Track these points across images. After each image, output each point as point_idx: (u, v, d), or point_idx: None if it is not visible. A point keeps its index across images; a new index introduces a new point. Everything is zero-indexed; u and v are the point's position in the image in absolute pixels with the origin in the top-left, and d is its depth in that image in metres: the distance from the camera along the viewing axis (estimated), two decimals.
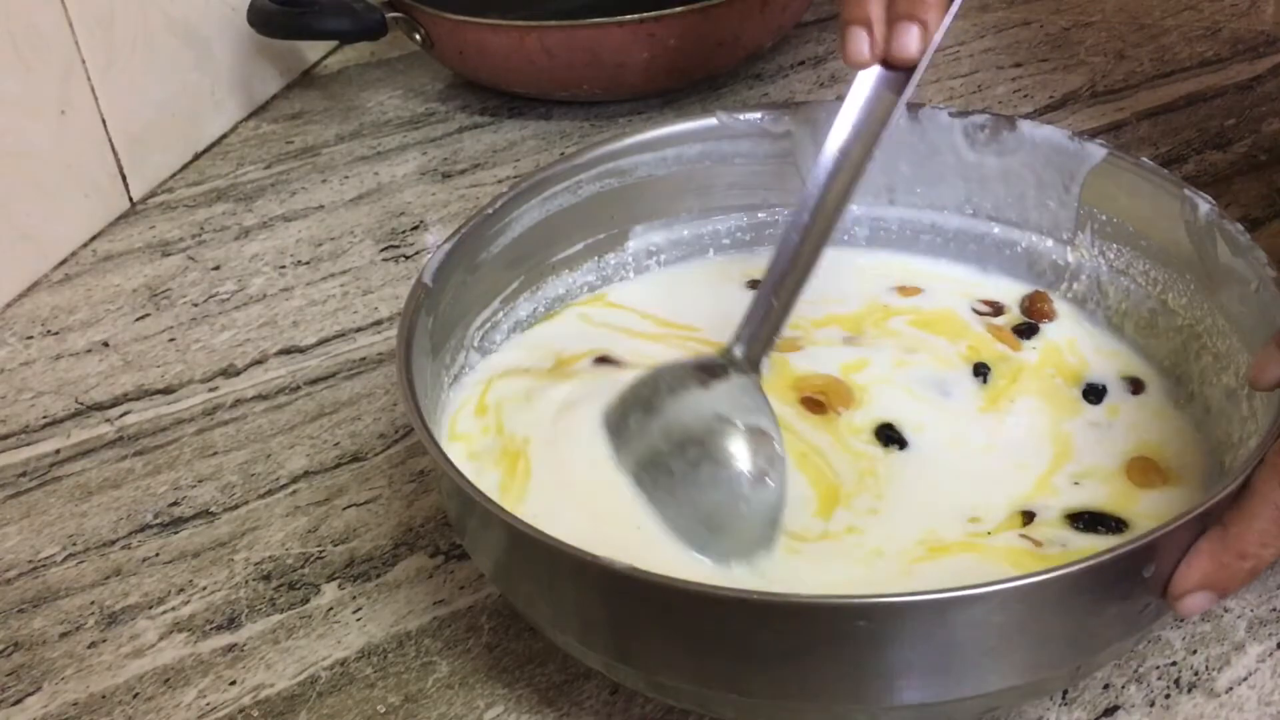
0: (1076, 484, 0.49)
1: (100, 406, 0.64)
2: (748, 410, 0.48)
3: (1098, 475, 0.49)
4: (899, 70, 0.51)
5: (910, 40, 0.50)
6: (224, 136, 0.87)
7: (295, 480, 0.58)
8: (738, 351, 0.50)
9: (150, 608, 0.53)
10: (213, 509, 0.57)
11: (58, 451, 0.61)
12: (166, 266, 0.74)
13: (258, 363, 0.66)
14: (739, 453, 0.47)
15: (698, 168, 0.60)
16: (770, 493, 0.47)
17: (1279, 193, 0.73)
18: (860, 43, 0.50)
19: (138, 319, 0.70)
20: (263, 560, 0.54)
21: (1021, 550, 0.46)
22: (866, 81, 0.51)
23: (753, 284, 0.59)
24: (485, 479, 0.49)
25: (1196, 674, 0.47)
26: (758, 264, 0.60)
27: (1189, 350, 0.52)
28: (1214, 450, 0.49)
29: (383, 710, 0.48)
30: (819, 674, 0.39)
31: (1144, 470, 0.49)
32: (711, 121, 0.59)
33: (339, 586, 0.53)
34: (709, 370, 0.49)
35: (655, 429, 0.48)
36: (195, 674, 0.50)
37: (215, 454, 0.60)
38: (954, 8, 0.51)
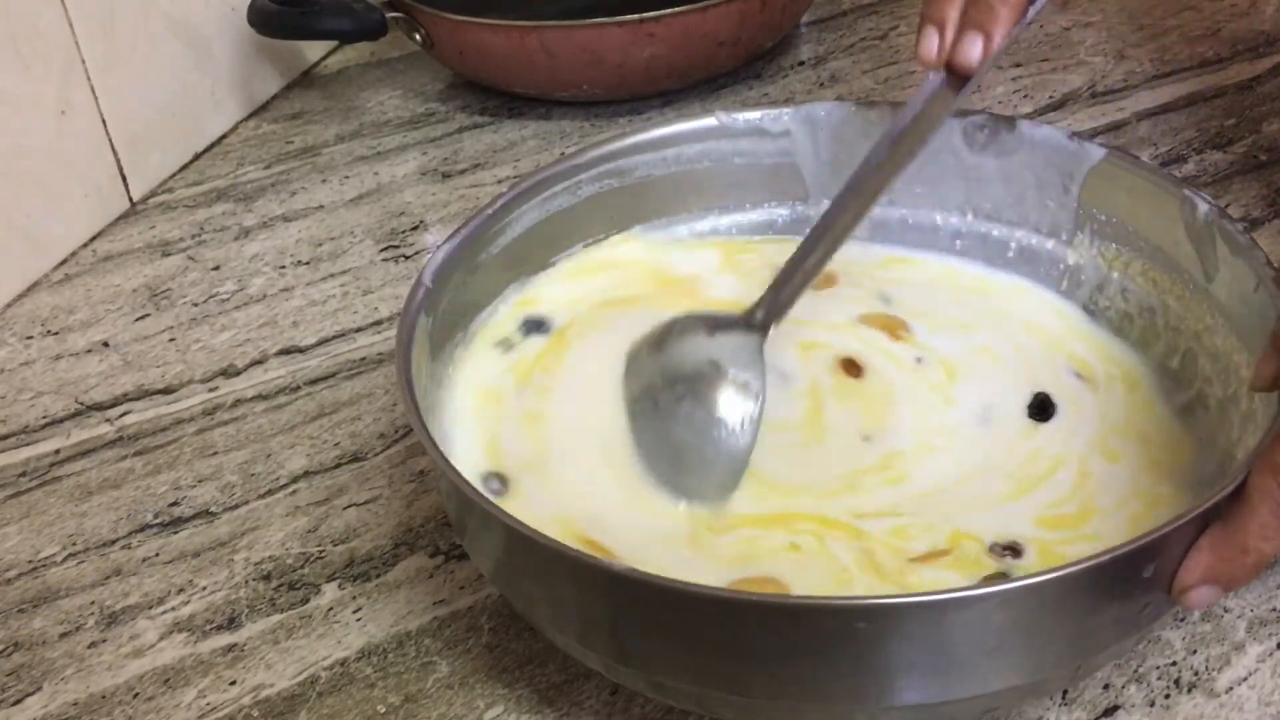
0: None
1: (100, 406, 0.64)
2: (741, 364, 0.50)
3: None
4: (959, 76, 0.53)
5: (974, 50, 0.52)
6: (224, 136, 0.87)
7: (295, 480, 0.58)
8: (758, 315, 0.51)
9: (150, 608, 0.53)
10: (213, 509, 0.57)
11: (58, 451, 0.61)
12: (166, 266, 0.74)
13: (258, 363, 0.66)
14: (720, 399, 0.49)
15: (698, 168, 0.60)
16: (737, 444, 0.49)
17: (1279, 193, 0.73)
18: (931, 42, 0.53)
19: (138, 319, 0.70)
20: (263, 560, 0.54)
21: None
22: (931, 81, 0.53)
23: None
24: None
25: (1196, 674, 0.47)
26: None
27: (1188, 350, 0.52)
28: (1213, 450, 0.49)
29: (383, 710, 0.48)
30: (819, 675, 0.39)
31: None
32: (711, 121, 0.59)
33: (339, 586, 0.53)
34: (720, 323, 0.52)
35: (655, 364, 0.51)
36: (195, 674, 0.50)
37: (215, 454, 0.60)
38: (1019, 26, 0.53)
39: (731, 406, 0.49)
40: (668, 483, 0.49)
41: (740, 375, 0.50)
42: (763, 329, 0.51)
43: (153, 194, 0.81)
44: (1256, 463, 0.40)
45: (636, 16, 0.80)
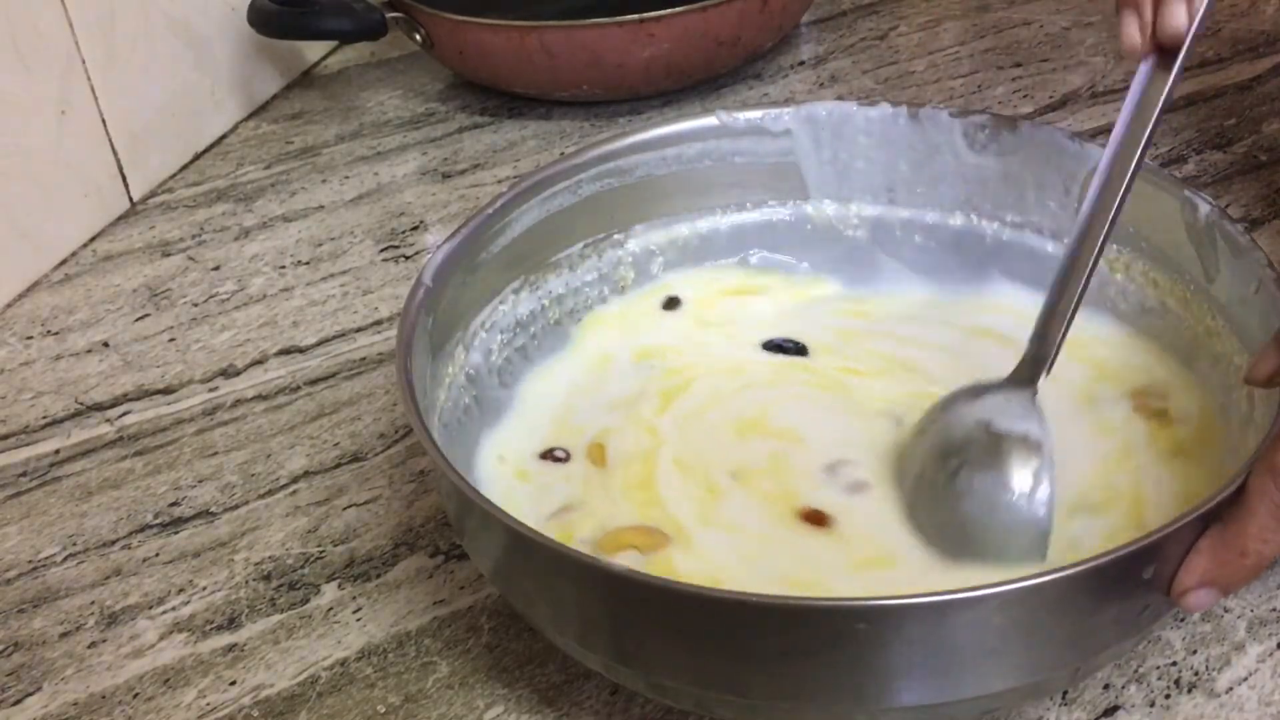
0: None
1: (100, 406, 0.64)
2: (1014, 417, 0.45)
3: None
4: (1168, 52, 0.49)
5: (1178, 14, 0.48)
6: (224, 136, 0.87)
7: (295, 480, 0.58)
8: (1023, 372, 0.48)
9: (150, 608, 0.53)
10: (213, 509, 0.57)
11: (58, 451, 0.61)
12: (166, 266, 0.74)
13: (258, 363, 0.66)
14: (999, 458, 0.45)
15: (698, 168, 0.60)
16: (1036, 504, 0.44)
17: (1279, 193, 0.73)
18: (1132, 25, 0.49)
19: (138, 319, 0.70)
20: (263, 560, 0.54)
21: None
22: (1141, 72, 0.50)
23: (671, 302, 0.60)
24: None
25: (1196, 674, 0.47)
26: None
27: (1189, 351, 0.52)
28: (1214, 449, 0.49)
29: (383, 710, 0.48)
30: (818, 675, 0.39)
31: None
32: (711, 121, 0.59)
33: (339, 586, 0.53)
34: (985, 387, 0.48)
35: (922, 447, 0.47)
36: (195, 674, 0.50)
37: (215, 454, 0.60)
38: None
39: (1017, 463, 0.45)
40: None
41: (1018, 428, 0.45)
42: (1030, 381, 0.47)
43: (153, 194, 0.81)
44: (1255, 465, 0.40)
45: (636, 16, 0.80)
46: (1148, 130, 0.48)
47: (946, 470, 0.45)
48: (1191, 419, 0.51)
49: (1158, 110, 0.48)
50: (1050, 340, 0.47)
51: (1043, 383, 0.47)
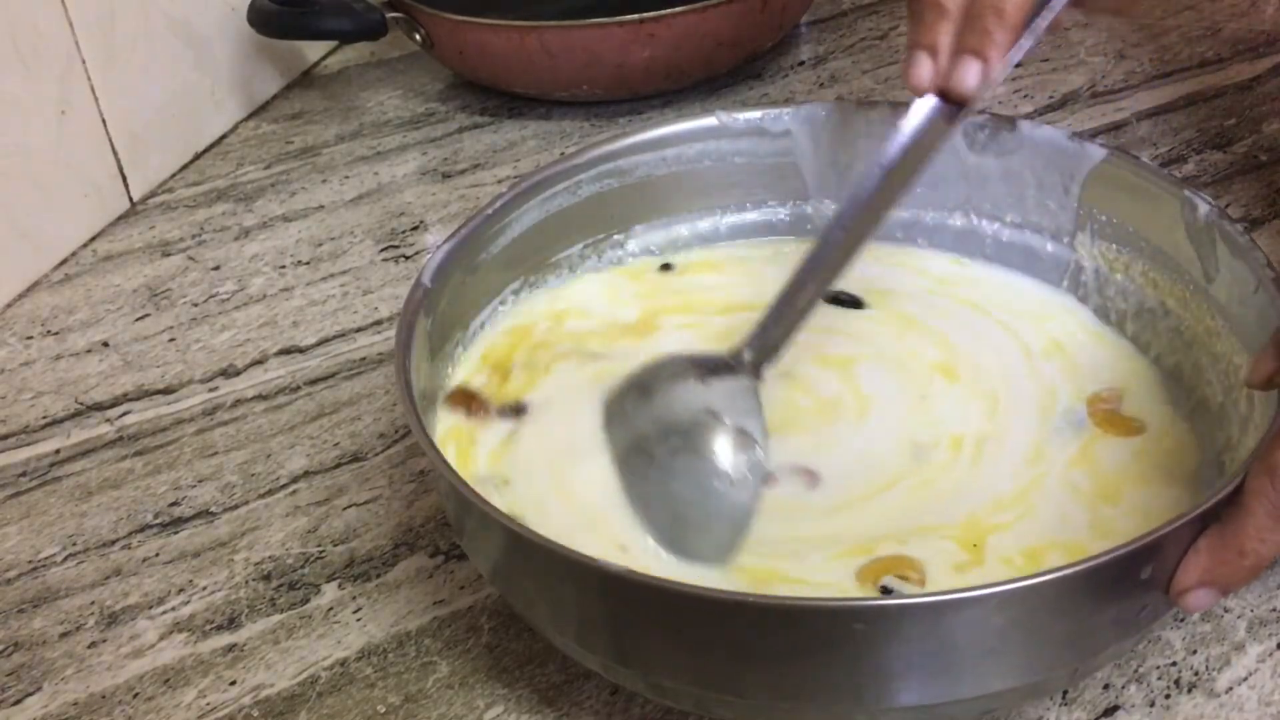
0: None
1: (100, 406, 0.64)
2: (739, 411, 0.48)
3: None
4: (955, 103, 0.50)
5: (970, 76, 0.49)
6: (224, 136, 0.87)
7: (295, 480, 0.58)
8: (746, 355, 0.49)
9: (150, 608, 0.53)
10: (213, 509, 0.57)
11: (58, 451, 0.61)
12: (166, 266, 0.74)
13: (258, 363, 0.66)
14: (719, 450, 0.47)
15: (698, 168, 0.60)
16: (742, 498, 0.47)
17: (1279, 193, 0.73)
18: (922, 69, 0.50)
19: (138, 319, 0.70)
20: (263, 560, 0.54)
21: None
22: (923, 105, 0.51)
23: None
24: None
25: (1196, 674, 0.47)
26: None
27: (1188, 351, 0.52)
28: (1213, 450, 0.49)
29: (383, 710, 0.48)
30: (817, 676, 0.39)
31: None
32: (711, 121, 0.59)
33: (339, 586, 0.53)
34: (711, 367, 0.49)
35: (645, 414, 0.48)
36: (195, 674, 0.50)
37: (215, 454, 0.60)
38: (1015, 50, 0.50)
39: (734, 456, 0.47)
40: (668, 542, 0.46)
41: (740, 423, 0.47)
42: (757, 371, 0.49)
43: (153, 194, 0.81)
44: (1253, 465, 0.40)
45: (636, 16, 0.80)
46: (916, 171, 0.49)
47: (667, 447, 0.47)
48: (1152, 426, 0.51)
49: (933, 154, 0.49)
50: (782, 335, 0.49)
51: (765, 372, 0.49)
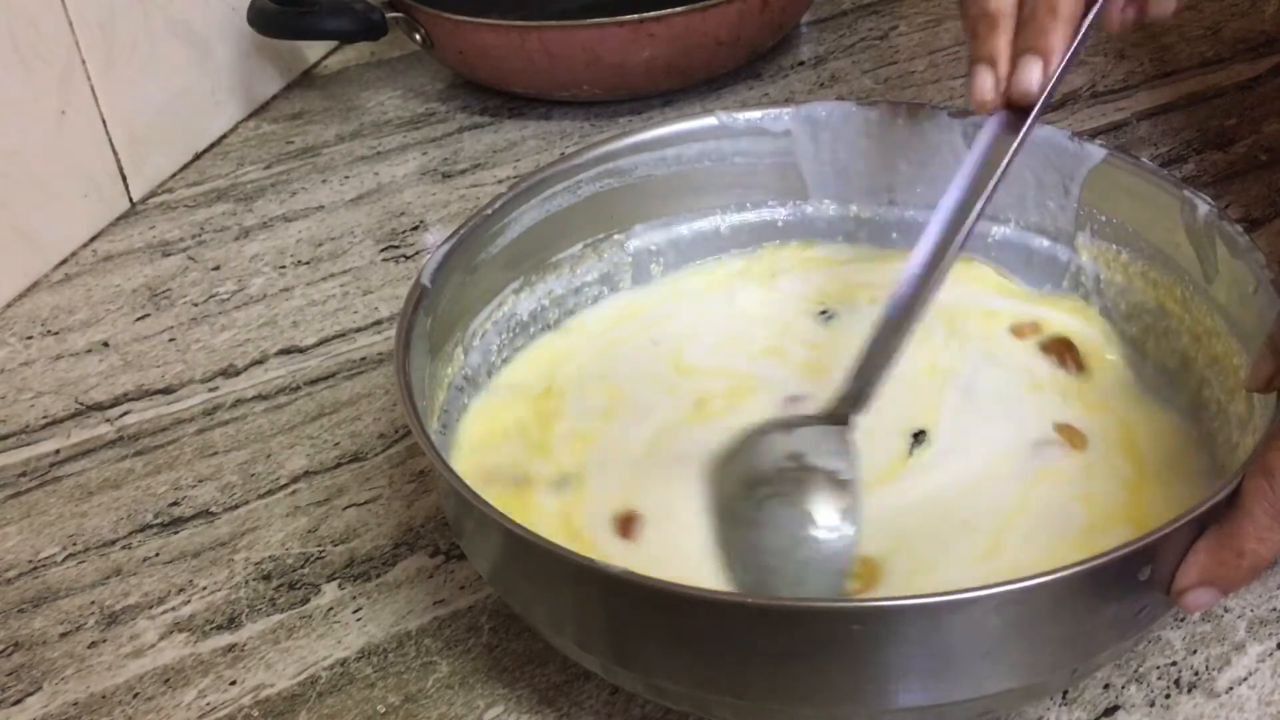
0: None
1: (100, 406, 0.64)
2: (826, 453, 0.45)
3: None
4: (1021, 110, 0.49)
5: (1032, 75, 0.48)
6: (224, 136, 0.87)
7: (295, 480, 0.58)
8: (833, 405, 0.47)
9: (150, 608, 0.53)
10: (213, 509, 0.57)
11: (58, 451, 0.61)
12: (166, 266, 0.74)
13: (258, 363, 0.66)
14: (807, 494, 0.44)
15: (698, 168, 0.60)
16: (839, 542, 0.44)
17: (1279, 193, 0.73)
18: (985, 80, 0.49)
19: (138, 319, 0.70)
20: (263, 560, 0.55)
21: None
22: (989, 125, 0.50)
23: None
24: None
25: (1196, 674, 0.47)
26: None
27: (1188, 351, 0.52)
28: (1213, 451, 0.49)
29: (383, 710, 0.48)
30: (816, 677, 0.39)
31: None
32: (711, 121, 0.59)
33: (339, 586, 0.53)
34: (799, 420, 0.47)
35: (731, 475, 0.46)
36: (195, 674, 0.50)
37: (215, 454, 0.60)
38: (1077, 42, 0.49)
39: (825, 498, 0.44)
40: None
41: (829, 464, 0.44)
42: (843, 420, 0.46)
43: (153, 194, 0.81)
44: (1251, 467, 0.40)
45: (636, 16, 0.80)
46: (989, 188, 0.48)
47: (754, 499, 0.45)
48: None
49: (1001, 169, 0.48)
50: (869, 380, 0.46)
51: (857, 420, 0.46)
